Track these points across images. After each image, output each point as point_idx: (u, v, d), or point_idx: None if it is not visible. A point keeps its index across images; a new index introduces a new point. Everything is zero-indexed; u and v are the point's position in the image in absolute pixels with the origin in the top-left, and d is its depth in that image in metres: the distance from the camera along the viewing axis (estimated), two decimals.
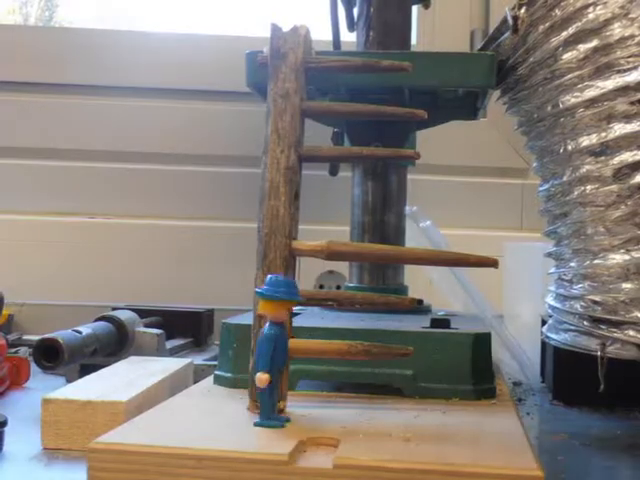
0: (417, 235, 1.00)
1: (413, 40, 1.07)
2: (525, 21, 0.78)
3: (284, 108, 0.66)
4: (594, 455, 0.67)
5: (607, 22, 0.72)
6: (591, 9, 0.72)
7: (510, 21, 0.78)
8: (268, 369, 0.57)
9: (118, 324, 0.92)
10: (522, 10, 0.78)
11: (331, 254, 0.65)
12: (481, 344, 0.71)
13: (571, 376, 0.85)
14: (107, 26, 1.44)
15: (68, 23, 1.52)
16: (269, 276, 0.60)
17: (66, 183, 1.31)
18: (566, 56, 0.74)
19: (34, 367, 0.82)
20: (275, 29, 0.68)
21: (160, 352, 0.93)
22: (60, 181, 1.31)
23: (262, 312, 0.59)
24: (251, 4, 1.43)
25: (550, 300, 0.80)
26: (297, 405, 0.63)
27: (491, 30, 0.86)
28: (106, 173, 1.31)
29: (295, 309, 0.65)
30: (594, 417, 0.81)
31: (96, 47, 1.33)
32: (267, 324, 0.59)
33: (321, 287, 1.24)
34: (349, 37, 0.95)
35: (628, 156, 0.70)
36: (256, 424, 0.58)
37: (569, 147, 0.75)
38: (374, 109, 0.68)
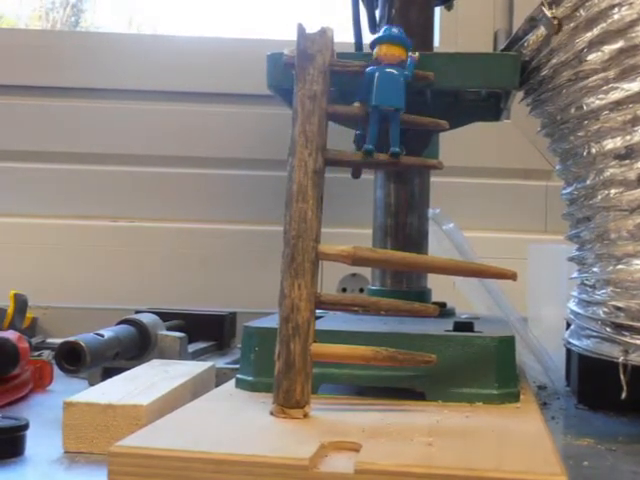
0: (440, 238, 1.00)
1: (436, 41, 1.06)
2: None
3: (312, 110, 0.66)
4: (620, 460, 0.66)
5: (633, 23, 0.71)
6: (616, 10, 0.71)
7: (552, 21, 0.76)
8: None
9: (141, 327, 0.92)
10: (545, 10, 0.77)
11: (357, 260, 0.64)
12: (505, 347, 0.71)
13: (596, 380, 0.84)
14: (132, 30, 1.45)
15: (95, 28, 1.53)
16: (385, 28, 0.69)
17: (90, 187, 1.31)
18: (591, 57, 0.73)
19: (57, 370, 0.82)
20: (301, 30, 0.67)
21: (182, 355, 0.93)
22: (84, 185, 1.31)
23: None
24: (265, 5, 1.42)
25: (572, 305, 0.79)
26: (319, 409, 0.63)
27: (515, 30, 0.85)
28: (129, 177, 1.31)
29: (318, 312, 0.65)
30: (620, 422, 0.80)
31: (121, 51, 1.33)
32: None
33: (344, 290, 1.24)
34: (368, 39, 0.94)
35: None
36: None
37: (593, 150, 0.74)
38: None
